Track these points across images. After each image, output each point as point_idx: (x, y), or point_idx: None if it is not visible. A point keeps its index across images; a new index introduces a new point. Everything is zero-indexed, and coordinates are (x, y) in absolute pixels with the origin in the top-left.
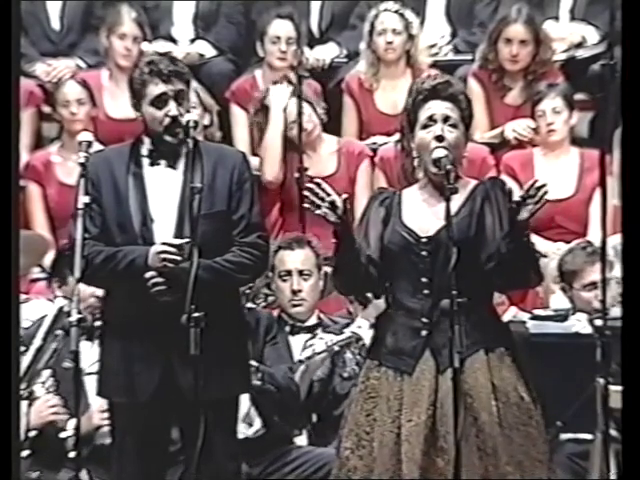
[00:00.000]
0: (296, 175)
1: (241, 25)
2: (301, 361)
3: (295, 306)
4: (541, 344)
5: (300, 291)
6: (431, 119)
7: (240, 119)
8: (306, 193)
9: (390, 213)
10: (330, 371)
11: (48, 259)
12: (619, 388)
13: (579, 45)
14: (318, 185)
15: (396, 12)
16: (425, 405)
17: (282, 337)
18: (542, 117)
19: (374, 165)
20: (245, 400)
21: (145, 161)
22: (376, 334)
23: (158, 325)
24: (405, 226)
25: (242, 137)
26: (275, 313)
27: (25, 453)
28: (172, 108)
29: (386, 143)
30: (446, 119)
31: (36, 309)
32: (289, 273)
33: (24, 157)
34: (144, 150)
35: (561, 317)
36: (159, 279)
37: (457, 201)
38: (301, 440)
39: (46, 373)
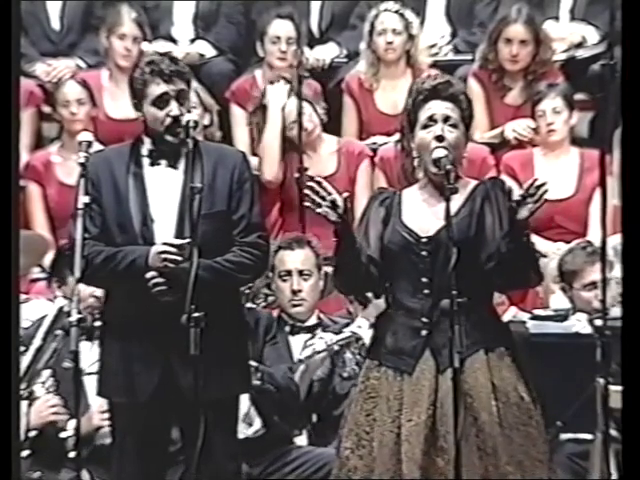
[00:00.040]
0: (296, 175)
1: (241, 25)
2: (301, 360)
3: (295, 306)
4: (541, 344)
5: (300, 291)
6: (431, 119)
7: (240, 119)
8: (307, 192)
9: (390, 213)
10: (330, 371)
11: (48, 259)
12: (619, 388)
13: (579, 45)
14: (319, 184)
15: (396, 12)
16: (425, 405)
17: (282, 337)
18: (542, 117)
19: (374, 165)
20: (245, 400)
21: (145, 161)
22: (376, 334)
23: (158, 325)
24: (405, 226)
25: (242, 137)
26: (275, 313)
27: (25, 453)
28: (173, 108)
29: (386, 143)
30: (446, 119)
31: (36, 309)
32: (289, 273)
33: (24, 157)
34: (144, 150)
35: (561, 317)
36: (160, 279)
37: (457, 201)
38: (301, 440)
39: (46, 373)
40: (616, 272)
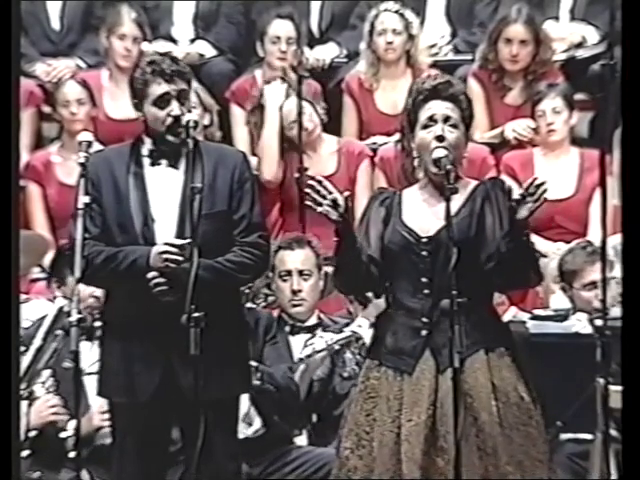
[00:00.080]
0: (296, 175)
1: (241, 25)
2: (301, 359)
3: (295, 306)
4: (541, 344)
5: (300, 291)
6: (431, 119)
7: (240, 119)
8: (308, 191)
9: (390, 213)
10: (330, 371)
11: (48, 259)
12: (619, 388)
13: (579, 45)
14: (320, 183)
15: (396, 12)
16: (425, 405)
17: (282, 337)
18: (542, 117)
19: (374, 165)
20: (245, 400)
21: (146, 161)
22: (376, 334)
23: (158, 325)
24: (405, 226)
25: (242, 137)
26: (275, 313)
27: (25, 453)
28: (174, 108)
29: (386, 143)
30: (446, 119)
31: (36, 309)
32: (289, 273)
33: (24, 157)
34: (145, 150)
35: (561, 317)
36: (161, 279)
37: (457, 201)
38: (301, 440)
39: (46, 373)
40: (616, 272)
